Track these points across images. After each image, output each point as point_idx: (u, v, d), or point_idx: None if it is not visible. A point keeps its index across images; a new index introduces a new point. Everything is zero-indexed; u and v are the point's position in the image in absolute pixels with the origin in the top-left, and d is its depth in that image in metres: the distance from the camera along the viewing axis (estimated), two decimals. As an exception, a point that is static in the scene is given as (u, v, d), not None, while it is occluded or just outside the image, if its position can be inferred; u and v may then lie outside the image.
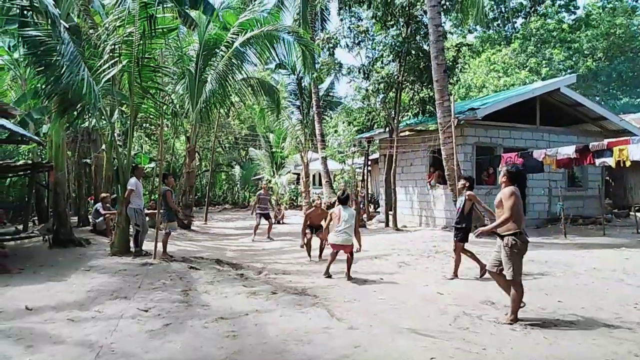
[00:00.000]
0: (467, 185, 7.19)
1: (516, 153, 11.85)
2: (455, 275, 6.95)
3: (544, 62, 26.62)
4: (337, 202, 7.31)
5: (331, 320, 4.86)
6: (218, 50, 14.09)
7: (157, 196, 10.14)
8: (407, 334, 4.39)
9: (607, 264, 7.85)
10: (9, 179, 17.13)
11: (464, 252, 7.05)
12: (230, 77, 13.81)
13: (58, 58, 7.58)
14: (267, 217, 12.98)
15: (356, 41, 14.81)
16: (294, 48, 14.64)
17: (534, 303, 5.37)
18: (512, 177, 4.86)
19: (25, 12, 7.45)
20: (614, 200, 16.71)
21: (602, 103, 27.10)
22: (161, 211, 8.81)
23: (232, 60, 13.62)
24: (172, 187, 9.45)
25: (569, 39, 28.51)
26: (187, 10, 13.50)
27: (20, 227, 12.19)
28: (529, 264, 7.93)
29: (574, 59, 27.66)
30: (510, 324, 4.63)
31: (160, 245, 8.62)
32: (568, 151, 10.64)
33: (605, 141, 10.05)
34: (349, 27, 14.87)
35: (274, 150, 27.37)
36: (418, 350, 4.00)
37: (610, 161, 9.68)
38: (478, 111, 12.91)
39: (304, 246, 8.90)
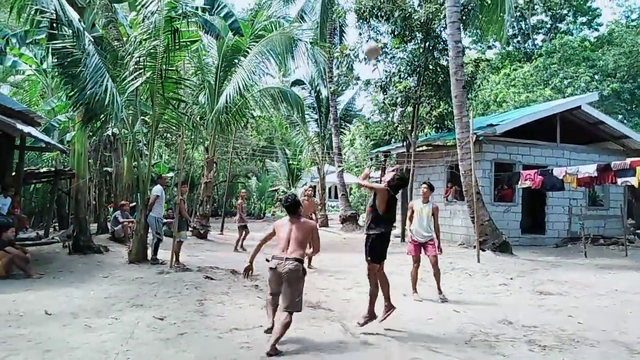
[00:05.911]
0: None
1: (536, 170, 11.69)
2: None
3: (565, 81, 26.27)
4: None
5: (345, 334, 4.83)
6: (237, 61, 14.22)
7: (174, 205, 10.29)
8: (423, 352, 4.33)
9: (629, 287, 7.63)
10: (32, 186, 17.54)
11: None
12: (248, 86, 13.40)
13: (82, 69, 7.82)
14: None
15: (374, 55, 14.86)
16: (310, 51, 14.12)
17: (553, 324, 5.25)
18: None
19: (53, 24, 7.71)
20: (637, 220, 16.30)
21: (625, 121, 26.58)
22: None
23: (250, 66, 13.19)
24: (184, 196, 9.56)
25: (592, 57, 28.12)
26: (212, 22, 13.63)
27: (42, 232, 12.46)
28: (548, 283, 7.79)
29: (597, 78, 27.24)
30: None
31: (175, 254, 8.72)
32: (589, 170, 10.44)
33: (628, 160, 9.84)
34: (367, 42, 14.95)
35: (290, 162, 27.49)
36: (433, 369, 3.95)
37: (633, 181, 9.46)
38: (497, 127, 12.82)
39: None
